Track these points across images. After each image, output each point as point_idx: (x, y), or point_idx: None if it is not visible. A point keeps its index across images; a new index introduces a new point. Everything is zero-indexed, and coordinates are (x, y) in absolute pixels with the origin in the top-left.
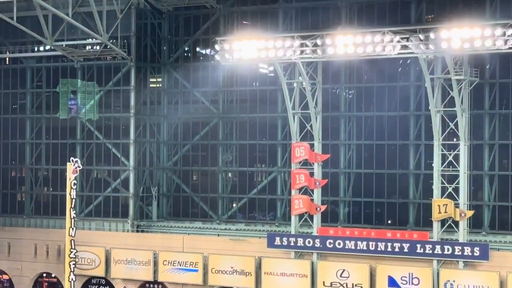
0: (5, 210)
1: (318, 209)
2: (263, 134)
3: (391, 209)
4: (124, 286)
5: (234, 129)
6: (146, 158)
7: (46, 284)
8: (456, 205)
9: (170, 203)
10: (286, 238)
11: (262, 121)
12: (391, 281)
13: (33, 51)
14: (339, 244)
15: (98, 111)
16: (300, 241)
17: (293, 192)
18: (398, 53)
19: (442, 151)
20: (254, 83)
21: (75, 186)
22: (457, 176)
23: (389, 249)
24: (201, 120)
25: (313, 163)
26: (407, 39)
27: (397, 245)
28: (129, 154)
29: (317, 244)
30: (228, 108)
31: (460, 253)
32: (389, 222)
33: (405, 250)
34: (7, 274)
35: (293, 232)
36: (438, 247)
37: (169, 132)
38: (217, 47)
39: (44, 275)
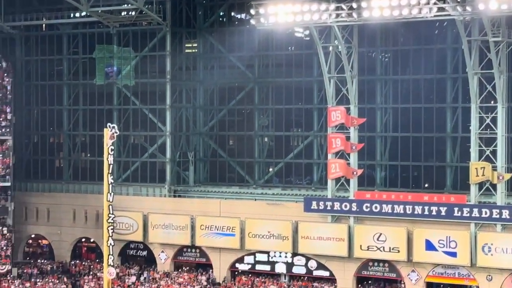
0: (44, 176)
1: (355, 173)
2: (299, 98)
3: (428, 173)
4: (162, 251)
5: (270, 93)
6: (182, 123)
7: (85, 248)
8: (494, 168)
9: (206, 168)
10: (322, 202)
11: (298, 85)
12: (429, 245)
13: (69, 17)
14: (376, 208)
15: (134, 77)
16: (336, 205)
17: (329, 156)
18: (435, 15)
19: (479, 113)
20: (289, 47)
21: (112, 152)
22: (494, 139)
23: (426, 212)
24: (237, 85)
25: (349, 127)
26: (444, 1)
27: (434, 208)
28: (166, 119)
29: (354, 208)
30: (263, 72)
31: (498, 216)
32: (426, 185)
33: (443, 213)
34: (46, 239)
35: (329, 196)
36: (475, 210)
37: (205, 97)
38: (252, 11)
39: (83, 240)
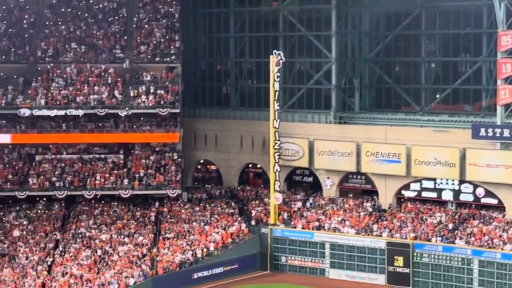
0: (212, 102)
1: None
2: (468, 22)
3: None
4: (328, 177)
5: (437, 18)
6: (348, 49)
7: (252, 174)
8: None
9: (372, 94)
10: (491, 129)
11: (466, 9)
12: None
13: None
14: None
15: (299, 3)
16: (506, 132)
17: (498, 82)
18: None
19: None
20: None
21: (278, 79)
22: None
23: None
24: (403, 10)
25: None
26: None
27: None
28: (331, 45)
29: None
30: None
31: None
32: None
33: None
34: (214, 165)
35: (498, 123)
36: None
37: (371, 23)
38: None
39: (250, 165)
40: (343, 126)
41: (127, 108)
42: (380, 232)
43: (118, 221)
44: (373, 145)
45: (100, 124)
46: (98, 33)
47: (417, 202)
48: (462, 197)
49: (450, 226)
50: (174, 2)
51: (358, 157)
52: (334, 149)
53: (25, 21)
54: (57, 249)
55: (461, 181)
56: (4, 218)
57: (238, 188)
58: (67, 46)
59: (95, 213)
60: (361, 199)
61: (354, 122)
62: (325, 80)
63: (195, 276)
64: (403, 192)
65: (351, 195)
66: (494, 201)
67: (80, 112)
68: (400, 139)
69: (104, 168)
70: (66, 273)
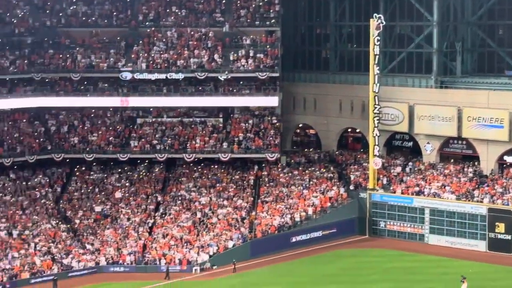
0: (311, 66)
1: None
2: None
3: None
4: (428, 142)
5: None
6: (450, 12)
7: (351, 138)
8: None
9: (474, 58)
10: None
11: None
12: None
13: None
14: None
15: None
16: None
17: None
18: None
19: None
20: None
21: (379, 42)
22: None
23: None
24: None
25: None
26: None
27: None
28: (433, 8)
29: None
30: None
31: None
32: None
33: None
34: (313, 129)
35: None
36: None
37: None
38: None
39: (349, 130)
40: (444, 91)
41: (226, 72)
42: (481, 198)
43: (218, 184)
44: (475, 109)
45: (200, 88)
46: None
47: None
48: None
49: None
50: None
51: (459, 122)
52: (434, 113)
53: None
54: (158, 211)
55: None
56: (106, 180)
57: (337, 152)
58: (167, 10)
59: (194, 176)
60: (462, 165)
61: (456, 87)
62: (426, 43)
63: (293, 240)
64: (505, 157)
65: (452, 160)
66: None
67: (181, 76)
68: (503, 103)
69: (203, 132)
70: (167, 234)
